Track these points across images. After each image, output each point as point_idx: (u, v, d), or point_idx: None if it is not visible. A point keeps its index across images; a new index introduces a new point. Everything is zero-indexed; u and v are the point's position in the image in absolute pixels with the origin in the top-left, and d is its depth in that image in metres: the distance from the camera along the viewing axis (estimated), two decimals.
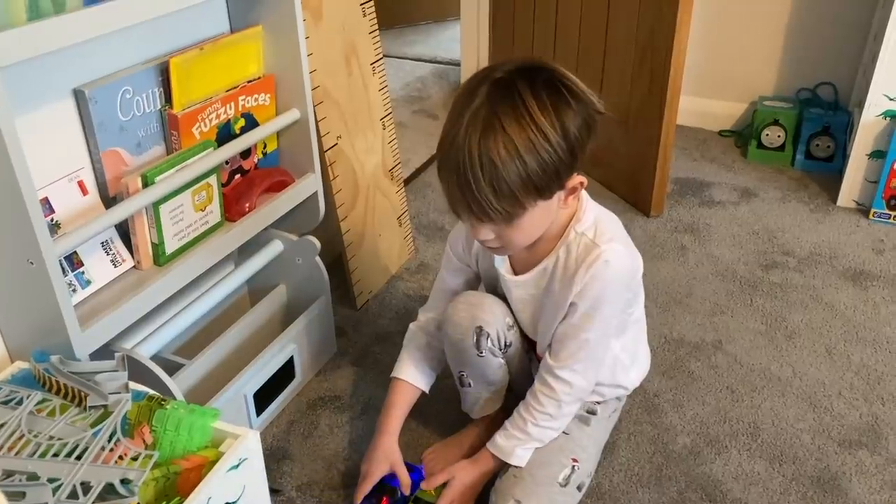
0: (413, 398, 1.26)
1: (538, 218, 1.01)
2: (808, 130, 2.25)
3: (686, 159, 2.34)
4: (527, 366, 1.28)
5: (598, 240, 1.07)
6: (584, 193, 1.10)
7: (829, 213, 2.05)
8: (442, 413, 1.37)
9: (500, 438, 1.18)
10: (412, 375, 1.25)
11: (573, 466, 1.18)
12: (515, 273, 1.16)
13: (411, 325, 1.31)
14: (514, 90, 0.94)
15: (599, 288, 1.07)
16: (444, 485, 1.19)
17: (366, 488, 1.17)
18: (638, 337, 1.28)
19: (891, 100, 1.92)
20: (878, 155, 1.98)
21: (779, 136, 2.29)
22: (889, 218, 1.99)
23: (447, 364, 1.28)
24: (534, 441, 1.17)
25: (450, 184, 0.97)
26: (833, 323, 1.64)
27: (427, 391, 1.27)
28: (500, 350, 1.21)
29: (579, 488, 1.19)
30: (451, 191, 0.98)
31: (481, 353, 1.19)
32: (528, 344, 1.27)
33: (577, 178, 1.02)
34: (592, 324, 1.10)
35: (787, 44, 2.35)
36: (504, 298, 1.21)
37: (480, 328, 1.17)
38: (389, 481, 1.19)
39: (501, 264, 1.16)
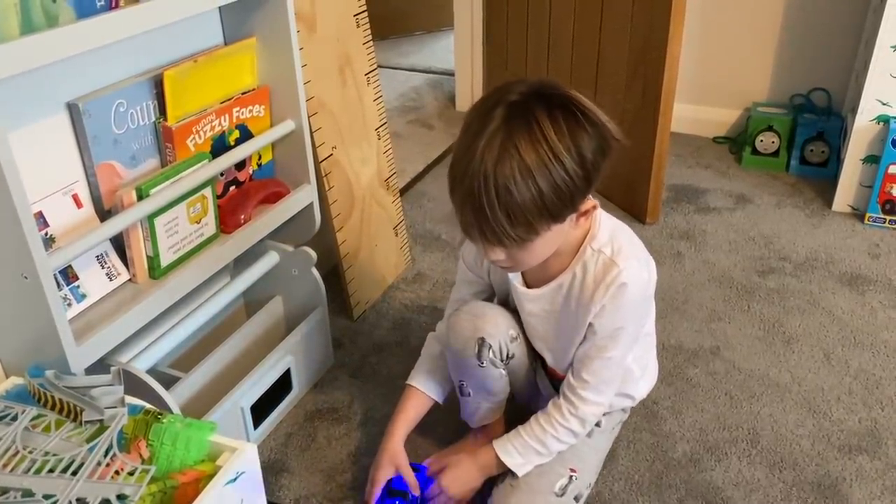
0: (423, 405, 1.25)
1: (550, 241, 1.00)
2: (802, 136, 2.25)
3: (681, 166, 2.35)
4: (532, 377, 1.28)
5: (616, 258, 1.06)
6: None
7: (825, 218, 2.05)
8: (442, 423, 1.37)
9: (513, 443, 1.16)
10: (423, 383, 1.25)
11: (571, 476, 1.18)
12: (528, 286, 1.16)
13: (429, 335, 1.30)
14: (530, 114, 0.92)
15: (621, 309, 1.07)
16: None
17: (373, 493, 1.17)
18: (648, 348, 1.28)
19: (884, 104, 1.93)
20: (872, 160, 1.99)
21: (773, 142, 2.30)
22: (884, 222, 1.99)
23: None
24: (548, 455, 1.16)
25: (463, 209, 0.96)
26: (831, 328, 1.64)
27: (440, 401, 1.27)
28: (502, 361, 1.20)
29: (577, 499, 1.18)
30: (464, 215, 0.97)
31: (482, 363, 1.18)
32: (535, 355, 1.26)
33: (590, 202, 1.01)
34: (617, 343, 1.10)
35: (780, 50, 2.36)
36: (515, 310, 1.21)
37: (482, 339, 1.16)
38: (397, 485, 1.18)
39: (515, 277, 1.16)
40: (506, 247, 0.98)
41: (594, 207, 1.04)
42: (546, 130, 0.91)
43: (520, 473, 1.15)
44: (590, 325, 1.09)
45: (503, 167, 0.91)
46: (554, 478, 1.17)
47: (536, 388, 1.30)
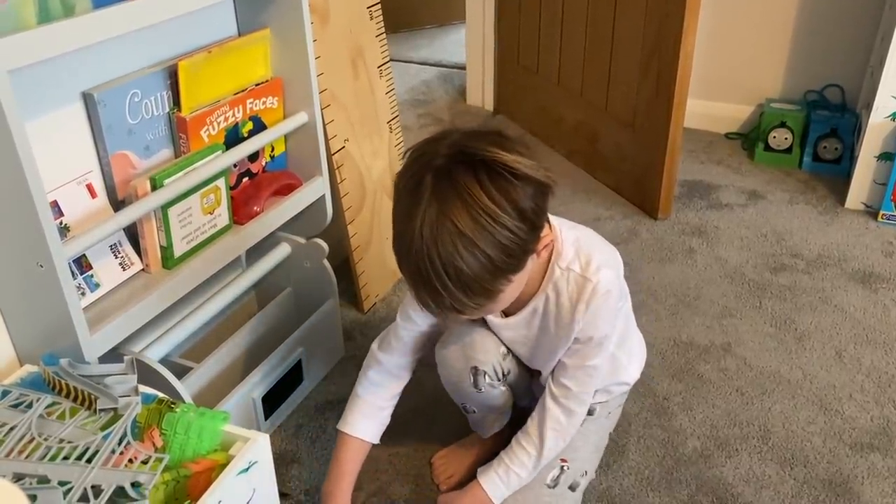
0: (363, 452, 1.18)
1: (516, 287, 0.98)
2: (816, 132, 2.24)
3: (693, 162, 2.34)
4: (528, 381, 1.26)
5: (586, 273, 1.04)
6: (554, 221, 1.06)
7: (838, 216, 2.04)
8: (449, 417, 1.37)
9: (497, 472, 1.13)
10: (358, 429, 1.17)
11: (562, 467, 1.17)
12: (503, 314, 1.12)
13: (364, 367, 1.21)
14: (458, 183, 0.88)
15: (602, 319, 1.06)
16: None
17: None
18: (628, 329, 1.26)
19: None
20: (886, 157, 1.97)
21: (786, 139, 2.29)
22: None
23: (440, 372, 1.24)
24: (533, 473, 1.14)
25: (417, 288, 0.93)
26: (843, 325, 1.63)
27: (378, 442, 1.19)
28: (499, 380, 1.18)
29: (572, 488, 1.17)
30: (419, 294, 0.93)
31: (480, 390, 1.17)
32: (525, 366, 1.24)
33: (546, 238, 0.98)
34: (602, 349, 1.09)
35: (793, 46, 2.34)
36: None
37: (476, 368, 1.15)
38: None
39: None
40: (469, 314, 0.96)
41: (552, 242, 1.03)
42: (477, 196, 0.87)
43: (494, 500, 1.13)
44: (575, 339, 1.08)
45: (444, 244, 0.87)
46: (544, 471, 1.15)
47: (532, 390, 1.29)
